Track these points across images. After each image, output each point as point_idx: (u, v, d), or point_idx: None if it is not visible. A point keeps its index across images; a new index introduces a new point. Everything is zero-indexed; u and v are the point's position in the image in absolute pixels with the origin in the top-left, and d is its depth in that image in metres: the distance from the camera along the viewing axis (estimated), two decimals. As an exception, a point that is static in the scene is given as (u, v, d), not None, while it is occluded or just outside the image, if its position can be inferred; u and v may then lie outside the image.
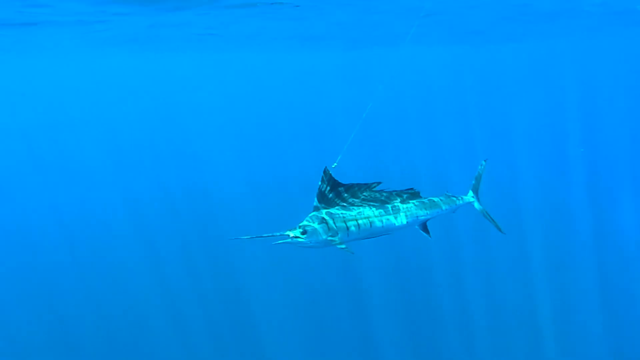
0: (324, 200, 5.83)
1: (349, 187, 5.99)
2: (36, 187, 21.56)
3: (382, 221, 6.01)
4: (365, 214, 5.93)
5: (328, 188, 5.84)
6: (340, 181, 5.92)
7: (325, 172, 5.79)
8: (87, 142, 26.28)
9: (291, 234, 5.46)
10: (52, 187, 21.28)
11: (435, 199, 6.73)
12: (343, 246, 5.55)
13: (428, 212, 6.54)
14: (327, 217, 5.69)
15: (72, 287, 14.19)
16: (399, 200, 6.31)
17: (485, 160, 7.45)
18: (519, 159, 21.01)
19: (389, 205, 6.18)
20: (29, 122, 30.28)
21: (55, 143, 27.71)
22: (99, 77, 30.63)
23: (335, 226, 5.67)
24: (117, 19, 11.90)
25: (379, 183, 6.16)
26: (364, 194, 6.08)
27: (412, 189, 6.51)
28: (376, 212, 6.02)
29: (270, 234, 5.39)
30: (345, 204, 5.92)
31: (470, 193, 7.27)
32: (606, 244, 14.87)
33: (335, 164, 5.96)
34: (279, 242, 5.46)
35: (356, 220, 5.83)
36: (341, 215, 5.79)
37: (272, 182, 19.73)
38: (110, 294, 13.95)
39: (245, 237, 5.35)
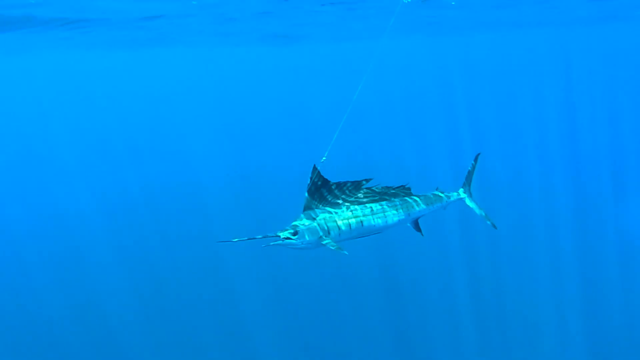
0: (314, 199, 5.69)
1: (339, 185, 5.86)
2: (19, 185, 21.24)
3: (373, 219, 5.89)
4: (357, 213, 5.81)
5: (318, 186, 5.71)
6: (329, 179, 5.79)
7: (314, 170, 5.66)
8: (70, 140, 25.89)
9: (282, 235, 5.33)
10: (37, 184, 20.99)
11: (427, 196, 6.62)
12: (335, 246, 5.42)
13: (420, 209, 6.43)
14: (318, 217, 5.56)
15: (54, 287, 13.94)
16: (390, 197, 6.20)
17: (477, 155, 7.36)
18: (508, 154, 21.04)
19: (381, 203, 6.06)
20: (15, 120, 29.87)
21: (39, 141, 27.30)
22: (80, 76, 30.17)
23: (327, 226, 5.54)
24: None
25: (369, 180, 6.03)
26: (355, 191, 5.95)
27: (403, 185, 6.40)
28: (367, 211, 5.90)
29: (260, 236, 5.23)
30: (335, 203, 5.80)
31: (462, 189, 7.18)
32: (595, 242, 14.93)
33: (325, 157, 5.84)
34: (270, 243, 5.32)
35: (347, 219, 5.71)
36: (332, 214, 5.66)
37: (261, 180, 19.52)
38: (93, 293, 13.72)
39: (235, 239, 5.20)
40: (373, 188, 6.08)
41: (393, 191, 6.24)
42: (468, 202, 7.19)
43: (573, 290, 13.26)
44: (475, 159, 7.31)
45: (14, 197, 20.16)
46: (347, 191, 5.90)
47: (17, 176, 22.14)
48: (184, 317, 12.93)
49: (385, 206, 6.06)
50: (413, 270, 13.86)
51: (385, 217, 6.01)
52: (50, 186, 21.01)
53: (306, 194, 5.68)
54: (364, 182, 5.98)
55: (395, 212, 6.12)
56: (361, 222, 5.78)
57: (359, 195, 5.96)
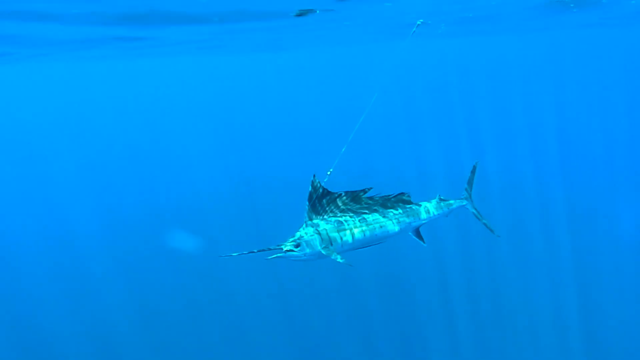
0: (315, 211, 5.66)
1: (340, 196, 5.83)
2: (21, 196, 21.21)
3: (375, 229, 5.86)
4: (358, 223, 5.78)
5: (318, 197, 5.68)
6: (329, 189, 5.76)
7: (314, 181, 5.63)
8: (71, 148, 25.79)
9: (284, 247, 5.29)
10: (39, 194, 20.97)
11: (428, 204, 6.60)
12: (339, 258, 5.39)
13: (422, 218, 6.41)
14: (319, 228, 5.52)
15: (55, 295, 13.88)
16: (391, 206, 6.17)
17: (476, 162, 7.35)
18: (505, 159, 21.00)
19: (381, 213, 6.03)
20: (18, 128, 29.85)
21: (40, 150, 27.22)
22: (80, 85, 30.11)
23: (329, 237, 5.51)
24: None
25: (369, 189, 6.00)
26: (355, 201, 5.92)
27: (403, 193, 6.37)
28: (369, 221, 5.86)
29: (262, 249, 5.20)
30: (337, 213, 5.77)
31: (464, 196, 7.16)
32: (591, 246, 14.92)
33: (331, 170, 5.82)
34: (272, 256, 5.28)
35: (350, 229, 5.68)
36: (334, 225, 5.62)
37: (262, 190, 19.40)
38: (93, 300, 13.65)
39: (237, 253, 5.15)
40: (374, 197, 6.05)
41: (393, 200, 6.22)
42: (470, 208, 7.18)
43: (571, 295, 13.25)
44: (474, 166, 7.31)
45: (16, 206, 20.11)
46: (347, 201, 5.87)
47: (19, 187, 22.09)
48: (186, 327, 12.87)
49: (386, 216, 6.03)
50: (413, 275, 13.83)
51: (387, 226, 5.98)
52: (52, 195, 20.97)
53: (307, 205, 5.66)
54: (361, 192, 5.94)
55: (397, 221, 6.10)
56: (363, 232, 5.76)
57: (360, 205, 5.93)
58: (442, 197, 6.88)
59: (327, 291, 13.23)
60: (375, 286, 13.46)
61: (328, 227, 5.57)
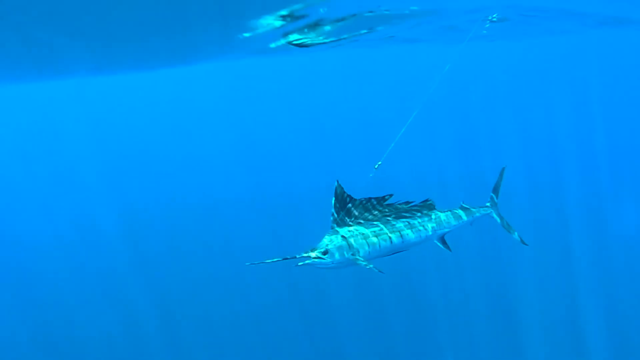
0: (341, 218, 5.64)
1: (364, 202, 5.82)
2: (44, 201, 21.57)
3: (402, 236, 5.84)
4: (384, 230, 5.75)
5: (343, 204, 5.67)
6: (352, 195, 5.73)
7: (338, 187, 5.61)
8: (94, 156, 26.13)
9: (312, 254, 5.27)
10: (62, 199, 21.29)
11: (453, 211, 6.56)
12: (370, 265, 5.34)
13: (446, 226, 6.37)
14: (347, 235, 5.50)
15: (72, 303, 14.04)
16: (415, 213, 6.14)
17: (503, 169, 7.27)
18: (527, 165, 20.67)
19: (407, 220, 6.00)
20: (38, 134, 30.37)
21: (64, 156, 27.66)
22: (106, 90, 30.51)
23: (356, 244, 5.48)
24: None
25: (390, 196, 5.98)
26: (380, 208, 5.91)
27: (428, 200, 6.35)
28: (394, 228, 5.84)
29: (289, 257, 5.19)
30: (362, 220, 5.74)
31: (489, 203, 7.09)
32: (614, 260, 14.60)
33: (380, 162, 5.84)
34: (300, 264, 5.27)
35: (376, 236, 5.65)
36: (360, 232, 5.60)
37: (287, 198, 19.27)
38: (111, 308, 13.77)
39: (266, 261, 5.12)
40: (398, 204, 6.03)
41: (419, 207, 6.20)
42: (495, 217, 7.10)
43: (596, 306, 12.95)
44: (501, 173, 7.23)
45: (39, 212, 20.43)
46: (372, 208, 5.86)
47: (43, 191, 22.45)
48: (204, 329, 12.91)
49: (412, 223, 6.01)
50: (432, 279, 13.66)
51: (414, 233, 5.95)
52: (74, 201, 21.26)
53: (332, 212, 5.65)
54: (385, 199, 5.93)
55: (422, 228, 6.07)
56: (389, 239, 5.73)
57: (385, 211, 5.92)
58: (466, 205, 6.82)
59: (345, 296, 13.13)
60: (393, 291, 13.32)
61: (355, 234, 5.55)
